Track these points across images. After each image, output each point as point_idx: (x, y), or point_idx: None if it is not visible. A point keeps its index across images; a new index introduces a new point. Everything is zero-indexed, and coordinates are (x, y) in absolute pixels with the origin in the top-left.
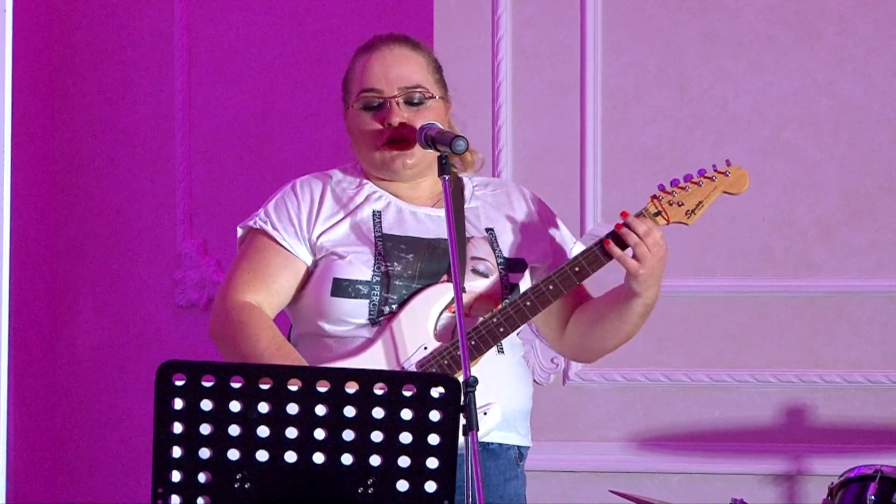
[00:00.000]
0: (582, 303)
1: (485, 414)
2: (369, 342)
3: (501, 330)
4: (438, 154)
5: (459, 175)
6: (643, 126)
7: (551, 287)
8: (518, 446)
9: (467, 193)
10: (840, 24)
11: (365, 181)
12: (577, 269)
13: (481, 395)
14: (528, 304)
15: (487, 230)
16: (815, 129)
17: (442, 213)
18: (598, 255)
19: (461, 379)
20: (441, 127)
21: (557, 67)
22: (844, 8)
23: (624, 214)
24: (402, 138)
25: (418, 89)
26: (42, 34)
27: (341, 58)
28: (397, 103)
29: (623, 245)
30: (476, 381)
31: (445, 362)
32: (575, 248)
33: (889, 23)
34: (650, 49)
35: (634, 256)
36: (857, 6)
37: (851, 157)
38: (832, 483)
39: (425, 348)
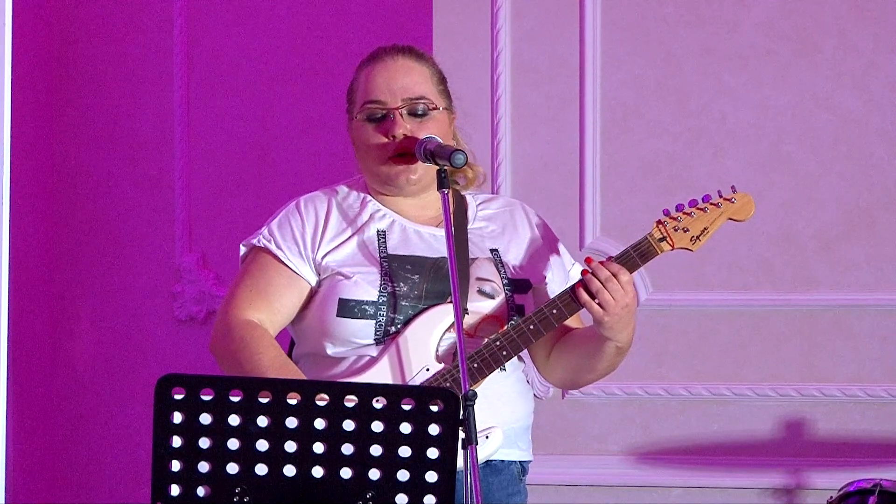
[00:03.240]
0: (565, 333)
1: (486, 437)
2: (372, 362)
3: (504, 353)
4: (437, 168)
5: (462, 193)
6: (642, 140)
7: (555, 311)
8: (520, 461)
9: (471, 213)
10: (839, 38)
11: (368, 198)
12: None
13: (485, 416)
14: (532, 327)
15: (492, 251)
16: (814, 142)
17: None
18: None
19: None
20: (440, 140)
21: (556, 81)
22: (844, 22)
23: (588, 260)
24: (406, 152)
25: (422, 100)
26: (40, 48)
27: (340, 71)
28: (401, 115)
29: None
30: (475, 395)
31: (447, 384)
32: (573, 270)
33: (888, 37)
34: (649, 63)
35: (599, 303)
36: (856, 21)
37: (850, 171)
38: (831, 497)
39: (427, 370)
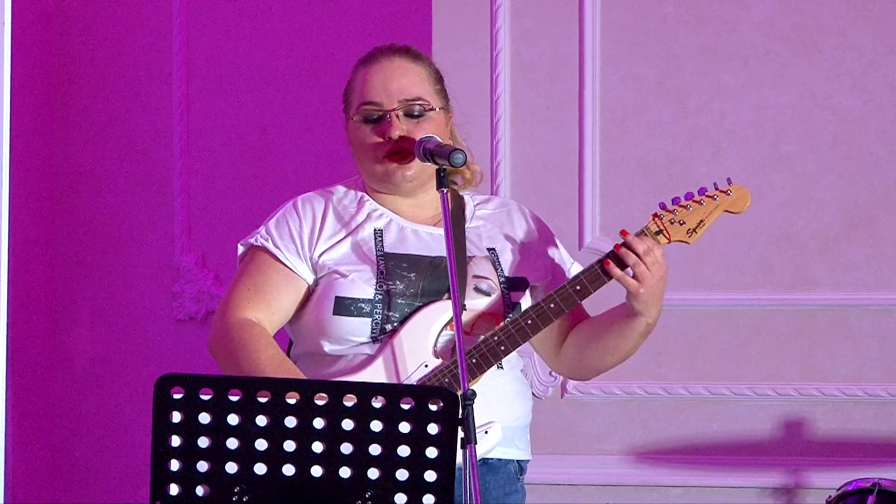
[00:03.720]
0: (580, 321)
1: (486, 433)
2: (370, 359)
3: (503, 348)
4: (437, 167)
5: (461, 193)
6: (641, 140)
7: (552, 305)
8: (518, 460)
9: (468, 212)
10: (839, 38)
11: (365, 198)
12: (578, 287)
13: (482, 413)
14: (529, 322)
15: (489, 249)
16: (814, 142)
17: (443, 231)
18: (599, 273)
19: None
20: (439, 140)
21: (556, 81)
22: (843, 22)
23: (624, 233)
24: (402, 151)
25: (418, 101)
26: (40, 47)
27: (340, 70)
28: (397, 116)
29: (623, 265)
30: (474, 394)
31: (446, 380)
32: (573, 268)
33: (887, 37)
34: (649, 63)
35: (634, 276)
36: (855, 20)
37: (850, 171)
38: (830, 496)
39: (426, 366)
